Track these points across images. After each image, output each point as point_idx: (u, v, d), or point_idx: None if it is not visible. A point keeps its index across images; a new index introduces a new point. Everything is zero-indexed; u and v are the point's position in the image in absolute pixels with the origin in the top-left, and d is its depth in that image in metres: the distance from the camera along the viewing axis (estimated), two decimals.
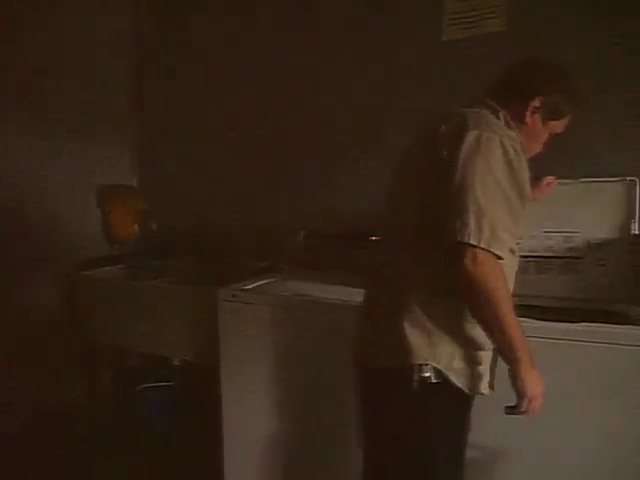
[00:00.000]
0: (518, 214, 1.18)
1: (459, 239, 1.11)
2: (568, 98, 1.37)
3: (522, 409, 1.19)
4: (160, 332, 2.27)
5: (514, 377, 1.18)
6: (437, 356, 1.22)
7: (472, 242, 1.11)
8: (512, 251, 1.21)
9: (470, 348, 1.24)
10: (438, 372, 1.22)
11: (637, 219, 1.80)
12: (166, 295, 2.31)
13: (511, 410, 1.22)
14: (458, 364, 1.24)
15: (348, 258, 2.17)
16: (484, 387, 1.29)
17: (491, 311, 1.13)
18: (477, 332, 1.22)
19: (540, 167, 1.99)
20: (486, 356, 1.28)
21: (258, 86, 2.71)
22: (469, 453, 1.41)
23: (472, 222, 1.11)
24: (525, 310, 1.51)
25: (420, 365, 1.21)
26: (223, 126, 2.77)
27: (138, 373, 2.72)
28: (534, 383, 1.18)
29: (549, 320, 1.52)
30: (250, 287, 2.05)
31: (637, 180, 1.80)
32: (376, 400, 1.33)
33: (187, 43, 2.93)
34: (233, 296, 1.98)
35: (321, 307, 1.79)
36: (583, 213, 1.85)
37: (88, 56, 2.77)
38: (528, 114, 1.33)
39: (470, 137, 1.16)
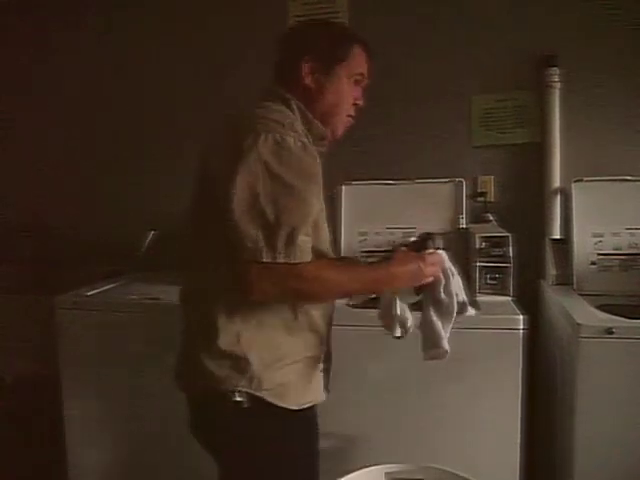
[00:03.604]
0: (313, 208, 1.07)
1: (253, 259, 1.01)
2: (338, 35, 1.22)
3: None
4: None
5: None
6: (246, 379, 1.10)
7: (265, 260, 1.00)
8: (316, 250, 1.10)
9: (285, 363, 1.14)
10: (250, 395, 1.10)
11: (464, 214, 2.01)
12: None
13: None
14: (272, 383, 1.12)
15: None
16: (313, 397, 1.21)
17: (326, 297, 1.14)
18: (289, 347, 1.15)
19: (379, 168, 2.17)
20: (308, 365, 1.19)
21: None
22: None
23: (265, 239, 1.01)
24: None
25: (229, 391, 1.10)
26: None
27: None
28: (408, 264, 1.12)
29: None
30: (92, 293, 1.91)
31: (464, 181, 2.03)
32: (196, 427, 1.22)
33: None
34: (74, 303, 1.84)
35: (168, 310, 1.71)
36: (419, 210, 2.02)
37: None
38: (306, 78, 1.17)
39: (249, 141, 1.02)
